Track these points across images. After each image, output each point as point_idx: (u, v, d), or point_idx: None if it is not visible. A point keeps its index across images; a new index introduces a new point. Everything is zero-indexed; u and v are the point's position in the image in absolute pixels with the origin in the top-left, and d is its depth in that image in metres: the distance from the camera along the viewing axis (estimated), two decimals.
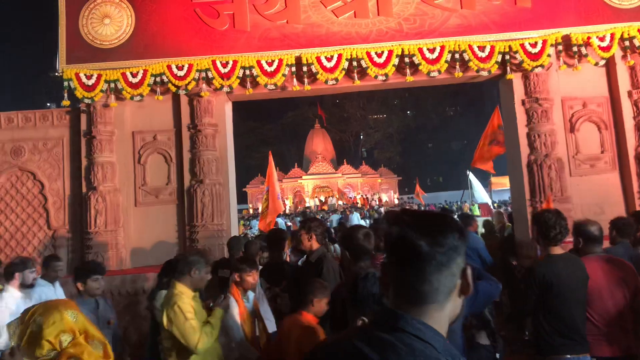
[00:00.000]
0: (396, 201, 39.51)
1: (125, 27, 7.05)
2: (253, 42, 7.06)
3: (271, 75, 6.90)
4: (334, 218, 21.95)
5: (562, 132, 7.27)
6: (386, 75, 6.95)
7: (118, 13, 7.06)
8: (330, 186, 38.81)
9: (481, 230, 11.60)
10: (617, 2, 7.08)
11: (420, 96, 54.61)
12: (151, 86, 6.97)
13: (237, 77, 6.93)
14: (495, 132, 10.34)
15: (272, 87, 7.00)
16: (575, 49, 6.96)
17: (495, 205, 21.16)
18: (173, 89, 7.04)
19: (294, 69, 6.96)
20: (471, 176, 21.28)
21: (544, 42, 6.93)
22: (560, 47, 6.97)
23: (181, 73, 6.89)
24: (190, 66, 6.91)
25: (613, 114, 7.37)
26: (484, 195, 21.50)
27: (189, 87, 6.98)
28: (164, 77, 6.93)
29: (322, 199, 37.97)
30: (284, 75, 6.93)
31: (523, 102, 7.27)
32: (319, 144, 42.52)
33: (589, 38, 6.95)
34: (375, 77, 6.95)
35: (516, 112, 7.31)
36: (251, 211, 34.45)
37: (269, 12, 7.10)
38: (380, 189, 40.72)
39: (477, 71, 7.01)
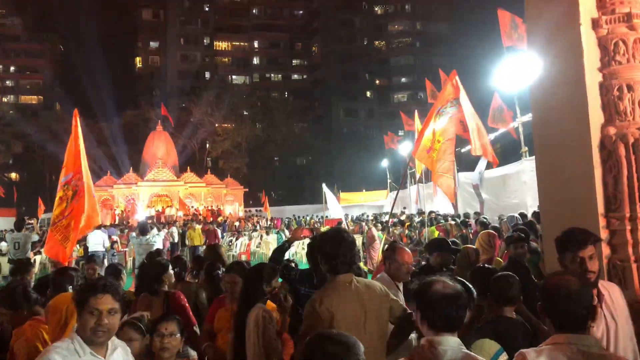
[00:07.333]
0: (241, 213, 37.10)
1: None
2: None
3: None
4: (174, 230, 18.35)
5: None
6: None
7: None
8: (170, 195, 34.04)
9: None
10: None
11: (272, 107, 53.00)
12: None
13: None
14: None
15: None
16: None
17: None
18: None
19: None
20: (325, 189, 19.74)
21: None
22: None
23: None
24: None
25: None
26: (337, 210, 20.10)
27: None
28: None
29: (159, 208, 32.76)
30: None
31: (595, 24, 3.78)
32: (160, 147, 36.75)
33: None
34: None
35: (583, 43, 3.81)
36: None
37: None
38: (225, 201, 37.50)
39: None
